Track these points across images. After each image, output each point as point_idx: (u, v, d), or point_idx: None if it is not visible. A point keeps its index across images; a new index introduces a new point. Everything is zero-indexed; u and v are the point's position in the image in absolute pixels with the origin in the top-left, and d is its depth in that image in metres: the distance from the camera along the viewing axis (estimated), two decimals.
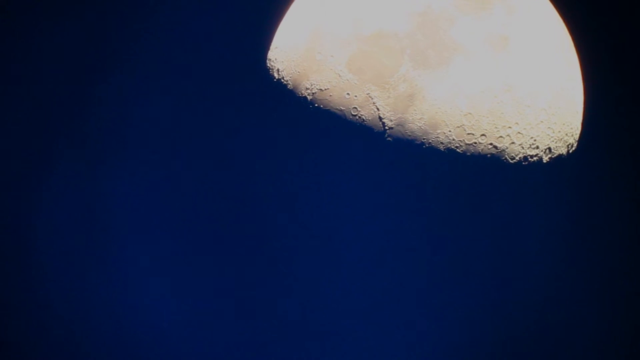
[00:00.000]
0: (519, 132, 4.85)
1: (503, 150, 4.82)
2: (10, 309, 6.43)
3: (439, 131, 4.74)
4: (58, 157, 6.57)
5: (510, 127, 4.82)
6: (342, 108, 4.83)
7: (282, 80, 5.07)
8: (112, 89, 6.59)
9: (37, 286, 6.43)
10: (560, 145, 5.10)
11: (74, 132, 6.57)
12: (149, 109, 6.41)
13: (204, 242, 5.79)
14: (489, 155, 4.80)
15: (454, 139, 4.75)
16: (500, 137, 4.80)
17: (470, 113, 4.74)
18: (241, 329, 5.72)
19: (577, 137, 5.29)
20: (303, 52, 5.00)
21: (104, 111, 6.57)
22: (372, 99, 4.78)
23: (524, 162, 4.91)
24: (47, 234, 6.49)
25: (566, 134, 5.14)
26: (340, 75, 4.84)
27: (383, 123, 4.77)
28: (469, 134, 4.75)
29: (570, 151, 5.23)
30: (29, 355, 6.35)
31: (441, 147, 4.75)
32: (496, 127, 4.79)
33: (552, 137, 5.01)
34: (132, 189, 6.29)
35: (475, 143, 4.77)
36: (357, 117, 4.80)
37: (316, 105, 4.89)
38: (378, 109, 4.77)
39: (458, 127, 4.74)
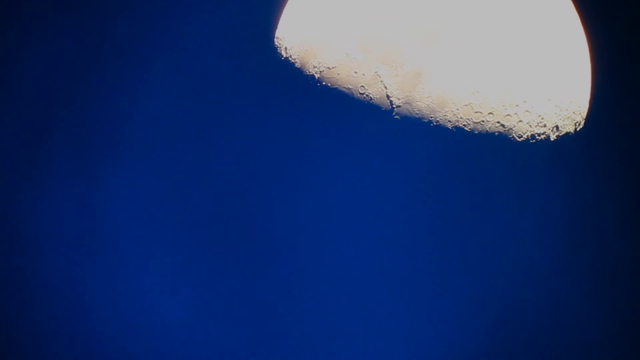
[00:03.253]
0: (526, 110, 4.85)
1: (510, 128, 4.83)
2: (10, 309, 6.45)
3: (446, 109, 4.74)
4: (57, 156, 6.54)
5: (517, 105, 4.82)
6: (350, 86, 4.83)
7: (290, 59, 5.07)
8: (112, 70, 6.57)
9: (36, 286, 6.43)
10: (567, 123, 5.10)
11: (73, 130, 6.55)
12: (151, 91, 6.39)
13: (205, 236, 5.76)
14: (496, 133, 4.80)
15: (461, 117, 4.75)
16: (508, 115, 4.81)
17: (477, 91, 4.74)
18: (241, 328, 5.73)
19: (584, 115, 5.29)
20: (311, 30, 5.00)
21: (104, 98, 6.54)
22: (379, 77, 4.78)
23: (532, 140, 4.91)
24: (46, 233, 6.48)
25: (573, 112, 5.13)
26: (348, 54, 4.83)
27: (391, 101, 4.77)
28: (476, 112, 4.76)
29: (578, 129, 5.23)
30: (29, 355, 6.37)
31: (449, 125, 4.75)
32: (504, 105, 4.79)
33: (559, 115, 5.01)
34: (131, 180, 6.26)
35: (483, 121, 4.78)
36: (365, 96, 4.80)
37: (324, 83, 4.89)
38: (386, 87, 4.77)
39: (465, 105, 4.75)
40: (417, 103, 4.75)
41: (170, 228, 5.90)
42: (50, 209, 6.50)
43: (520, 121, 4.84)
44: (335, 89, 4.86)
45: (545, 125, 4.95)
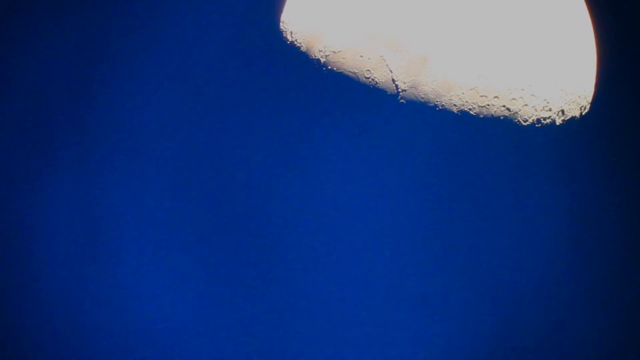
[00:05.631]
0: (532, 94, 4.85)
1: (516, 112, 4.83)
2: (10, 308, 6.45)
3: (452, 93, 4.74)
4: (57, 156, 6.52)
5: (523, 89, 4.82)
6: (355, 70, 4.83)
7: (296, 43, 5.07)
8: (116, 54, 6.54)
9: (36, 286, 6.43)
10: (573, 107, 5.10)
11: (74, 129, 6.52)
12: (155, 79, 6.35)
13: (207, 233, 5.73)
14: (501, 117, 4.81)
15: (467, 101, 4.75)
16: (513, 99, 4.81)
17: (483, 75, 4.74)
18: (243, 328, 5.72)
19: (590, 99, 5.29)
20: (316, 14, 5.00)
21: (105, 96, 6.51)
22: (385, 61, 4.78)
23: (537, 124, 4.92)
24: (46, 233, 6.46)
25: (579, 96, 5.13)
26: (353, 38, 4.83)
27: (396, 85, 4.77)
28: (482, 96, 4.76)
29: (583, 113, 5.23)
30: (30, 355, 6.38)
31: (454, 110, 4.76)
32: (509, 89, 4.79)
33: (565, 99, 5.01)
34: (132, 176, 6.23)
35: (488, 105, 4.78)
36: (370, 80, 4.80)
37: (329, 67, 4.89)
38: (391, 71, 4.77)
39: (471, 89, 4.74)
40: (423, 87, 4.75)
41: (172, 226, 5.88)
42: (50, 209, 6.48)
43: (526, 105, 4.84)
44: (341, 73, 4.86)
45: (550, 110, 4.95)
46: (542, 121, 4.93)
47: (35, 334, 6.39)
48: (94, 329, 6.27)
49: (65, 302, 6.36)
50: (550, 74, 4.90)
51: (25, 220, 6.51)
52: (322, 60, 4.92)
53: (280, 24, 5.23)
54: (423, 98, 4.76)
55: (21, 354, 6.39)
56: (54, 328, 6.36)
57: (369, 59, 4.80)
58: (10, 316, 6.44)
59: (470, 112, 4.76)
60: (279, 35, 5.19)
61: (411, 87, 4.76)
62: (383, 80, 4.79)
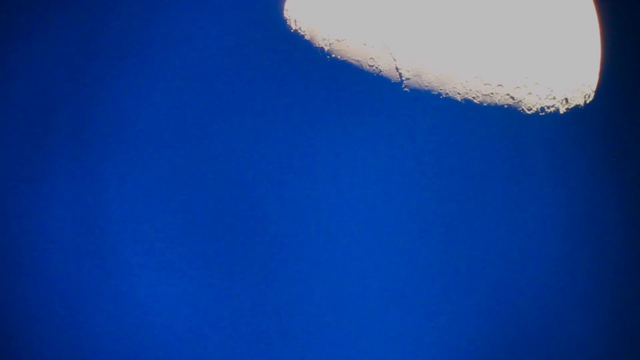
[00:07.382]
0: (536, 82, 4.84)
1: (520, 100, 4.83)
2: (10, 308, 6.46)
3: (455, 81, 4.74)
4: (57, 156, 6.50)
5: (527, 77, 4.81)
6: (359, 58, 4.83)
7: (299, 31, 5.06)
8: (119, 48, 6.52)
9: (36, 286, 6.43)
10: (577, 95, 5.09)
11: (74, 130, 6.50)
12: (158, 71, 6.33)
13: (208, 233, 5.72)
14: (505, 105, 4.80)
15: (470, 90, 4.75)
16: (517, 87, 4.80)
17: (487, 63, 4.74)
18: (242, 329, 5.72)
19: (594, 87, 5.28)
20: (320, 2, 4.99)
21: (104, 91, 6.48)
22: (389, 49, 4.77)
23: (541, 112, 4.91)
24: (46, 233, 6.45)
25: (583, 84, 5.12)
26: (357, 26, 4.83)
27: (400, 74, 4.77)
28: (485, 84, 4.75)
29: (587, 101, 5.22)
30: (29, 355, 6.39)
31: (458, 98, 4.75)
32: (513, 77, 4.79)
33: (569, 87, 5.00)
34: (133, 175, 6.21)
35: (492, 93, 4.77)
36: (374, 68, 4.80)
37: (333, 55, 4.89)
38: (395, 60, 4.77)
39: (475, 77, 4.74)
40: (427, 75, 4.75)
41: (173, 225, 5.87)
42: (50, 209, 6.47)
43: (530, 93, 4.84)
44: (345, 61, 4.86)
45: (554, 98, 4.94)
46: (546, 109, 4.93)
47: (35, 334, 6.40)
48: (93, 329, 6.28)
49: (65, 301, 6.37)
50: (554, 62, 4.89)
51: (25, 220, 6.51)
52: (326, 48, 4.91)
53: (284, 12, 5.22)
54: (427, 86, 4.76)
55: (21, 354, 6.41)
56: (54, 328, 6.37)
57: (373, 47, 4.79)
58: (10, 316, 6.46)
59: (474, 100, 4.76)
60: (282, 23, 5.18)
61: (415, 75, 4.76)
62: (387, 69, 4.78)
